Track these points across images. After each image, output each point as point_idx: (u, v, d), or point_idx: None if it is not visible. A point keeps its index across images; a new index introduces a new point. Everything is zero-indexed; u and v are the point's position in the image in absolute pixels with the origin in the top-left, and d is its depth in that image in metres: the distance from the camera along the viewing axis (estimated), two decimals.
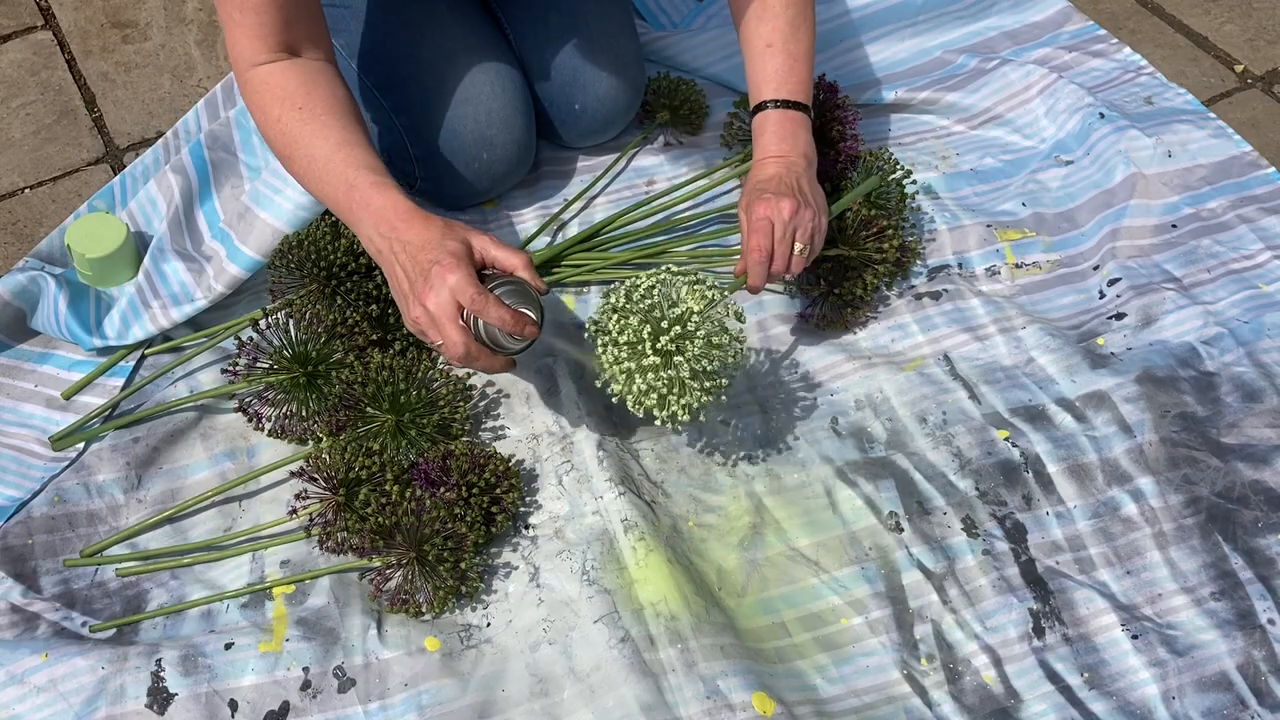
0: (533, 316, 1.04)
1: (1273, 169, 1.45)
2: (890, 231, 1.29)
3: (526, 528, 1.15)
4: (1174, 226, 1.39)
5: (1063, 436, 1.20)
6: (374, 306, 1.22)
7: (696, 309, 1.07)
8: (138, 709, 1.00)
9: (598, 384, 1.10)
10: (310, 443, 1.19)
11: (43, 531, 1.15)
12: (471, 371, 1.26)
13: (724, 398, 1.15)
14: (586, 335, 1.11)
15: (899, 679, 1.05)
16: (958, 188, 1.46)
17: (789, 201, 1.14)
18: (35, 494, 1.18)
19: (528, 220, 1.45)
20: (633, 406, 1.08)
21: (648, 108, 1.53)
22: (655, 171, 1.49)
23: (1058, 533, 1.14)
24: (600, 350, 1.08)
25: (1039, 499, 1.16)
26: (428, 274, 1.01)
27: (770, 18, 1.24)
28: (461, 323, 1.02)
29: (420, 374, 1.17)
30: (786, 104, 1.23)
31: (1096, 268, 1.36)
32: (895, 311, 1.33)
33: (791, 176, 1.18)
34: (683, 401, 1.07)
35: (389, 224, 1.05)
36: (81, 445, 1.22)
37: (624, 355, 1.07)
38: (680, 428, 1.16)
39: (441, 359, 1.22)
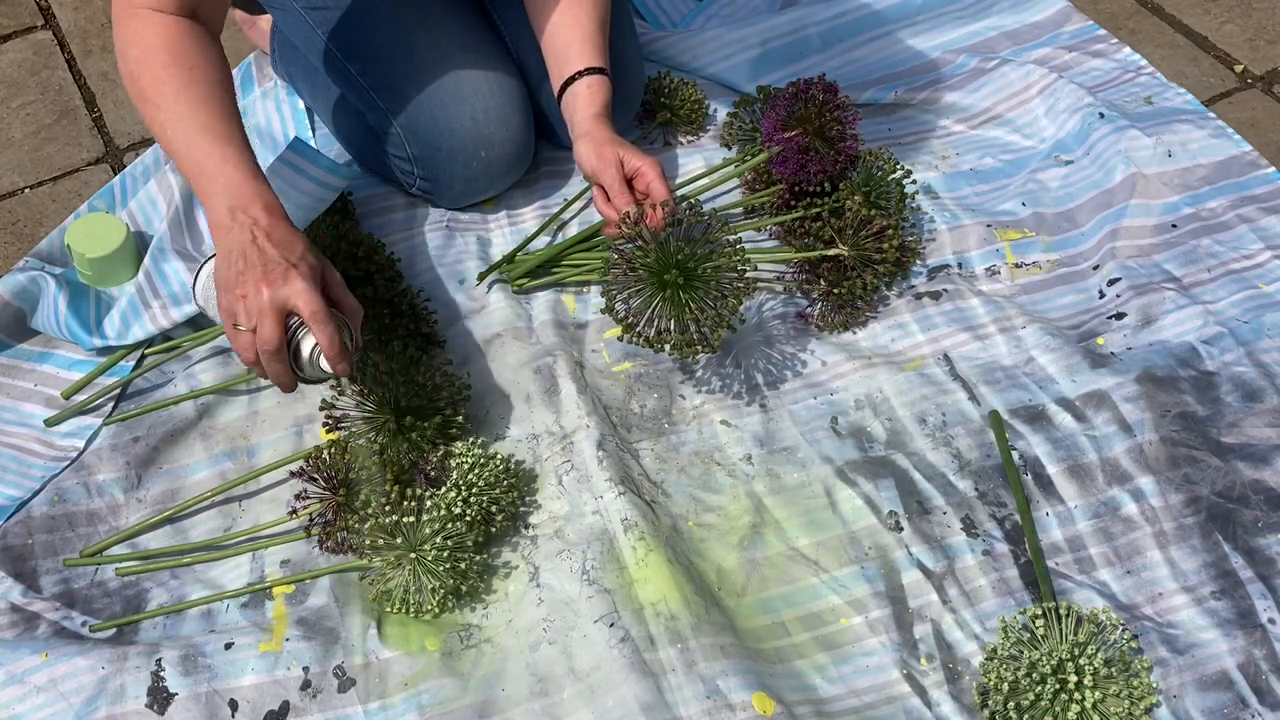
0: (349, 354, 1.04)
1: (1273, 169, 1.45)
2: (890, 231, 1.29)
3: (526, 527, 1.15)
4: (1174, 226, 1.39)
5: (1063, 437, 1.20)
6: (371, 309, 1.22)
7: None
8: (138, 709, 1.00)
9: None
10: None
11: (43, 531, 1.15)
12: (471, 372, 1.26)
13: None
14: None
15: (899, 679, 1.05)
16: (958, 187, 1.46)
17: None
18: (35, 493, 1.18)
19: (528, 220, 1.45)
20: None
21: (648, 108, 1.53)
22: None
23: (1058, 534, 1.14)
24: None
25: (1038, 500, 1.16)
26: (281, 268, 1.01)
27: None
28: (284, 324, 1.02)
29: (422, 375, 1.17)
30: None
31: (1096, 267, 1.36)
32: (895, 311, 1.33)
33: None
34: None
35: (251, 206, 1.04)
36: (82, 444, 1.22)
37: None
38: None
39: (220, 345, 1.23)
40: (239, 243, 1.03)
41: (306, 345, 1.04)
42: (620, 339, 1.17)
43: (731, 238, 1.16)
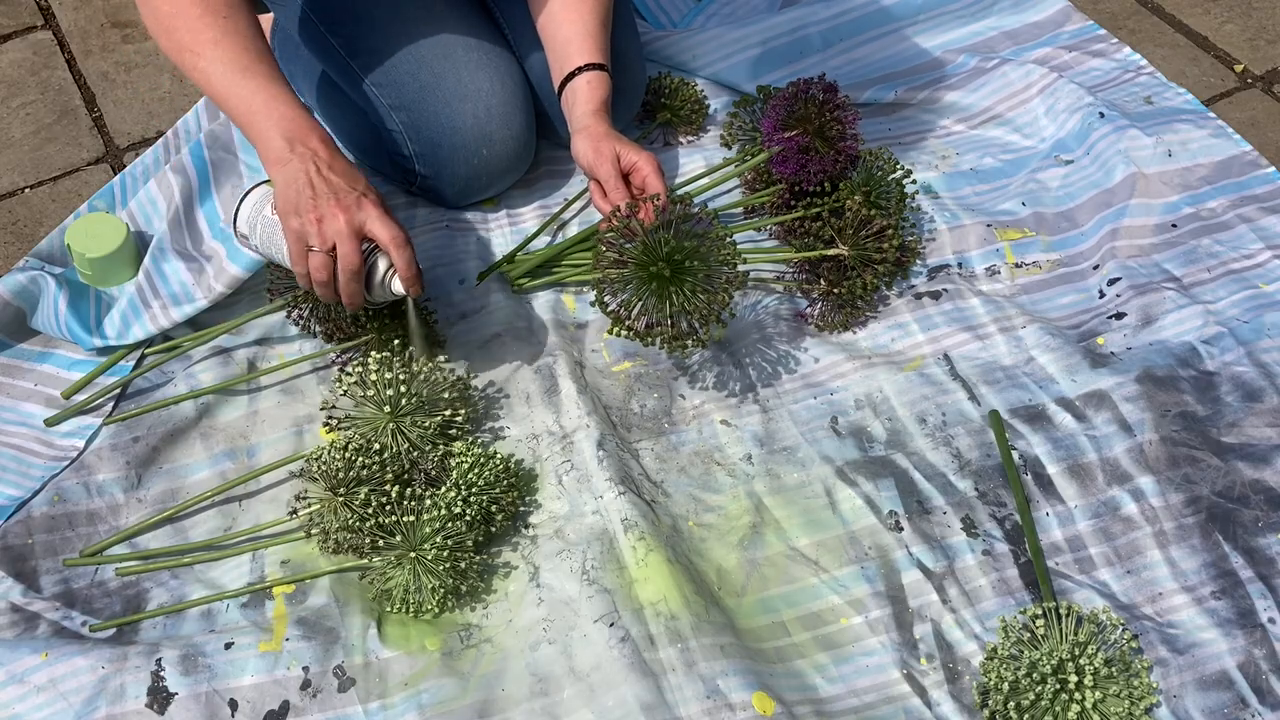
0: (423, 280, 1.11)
1: (1273, 168, 1.45)
2: (890, 231, 1.29)
3: (526, 527, 1.15)
4: (1174, 226, 1.39)
5: (1063, 436, 1.20)
6: (371, 309, 1.22)
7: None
8: (138, 708, 1.00)
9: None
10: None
11: (43, 531, 1.15)
12: (471, 372, 1.26)
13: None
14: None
15: (899, 678, 1.05)
16: (958, 187, 1.46)
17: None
18: (35, 493, 1.18)
19: (528, 220, 1.45)
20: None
21: (648, 107, 1.53)
22: None
23: (1058, 534, 1.13)
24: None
25: (1038, 500, 1.16)
26: (354, 197, 1.08)
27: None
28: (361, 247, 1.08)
29: (422, 375, 1.17)
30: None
31: (1096, 267, 1.36)
32: (895, 311, 1.32)
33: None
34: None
35: (309, 138, 1.10)
36: (82, 444, 1.22)
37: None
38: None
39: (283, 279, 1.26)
40: (303, 172, 1.09)
41: (381, 267, 1.11)
42: (610, 333, 1.18)
43: (722, 231, 1.16)
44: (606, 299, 1.16)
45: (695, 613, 1.05)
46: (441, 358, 1.22)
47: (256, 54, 1.14)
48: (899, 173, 1.36)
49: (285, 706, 1.02)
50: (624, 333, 1.16)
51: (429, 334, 1.24)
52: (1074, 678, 0.99)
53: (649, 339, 1.16)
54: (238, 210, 1.20)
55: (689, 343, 1.17)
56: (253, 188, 1.20)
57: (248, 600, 1.10)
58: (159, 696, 1.01)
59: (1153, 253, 1.37)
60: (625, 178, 1.25)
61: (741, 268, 1.16)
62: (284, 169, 1.10)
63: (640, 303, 1.15)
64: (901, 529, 1.14)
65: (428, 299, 1.32)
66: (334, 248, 1.08)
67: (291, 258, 1.12)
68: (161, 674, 1.02)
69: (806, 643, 1.07)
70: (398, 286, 1.11)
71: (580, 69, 1.30)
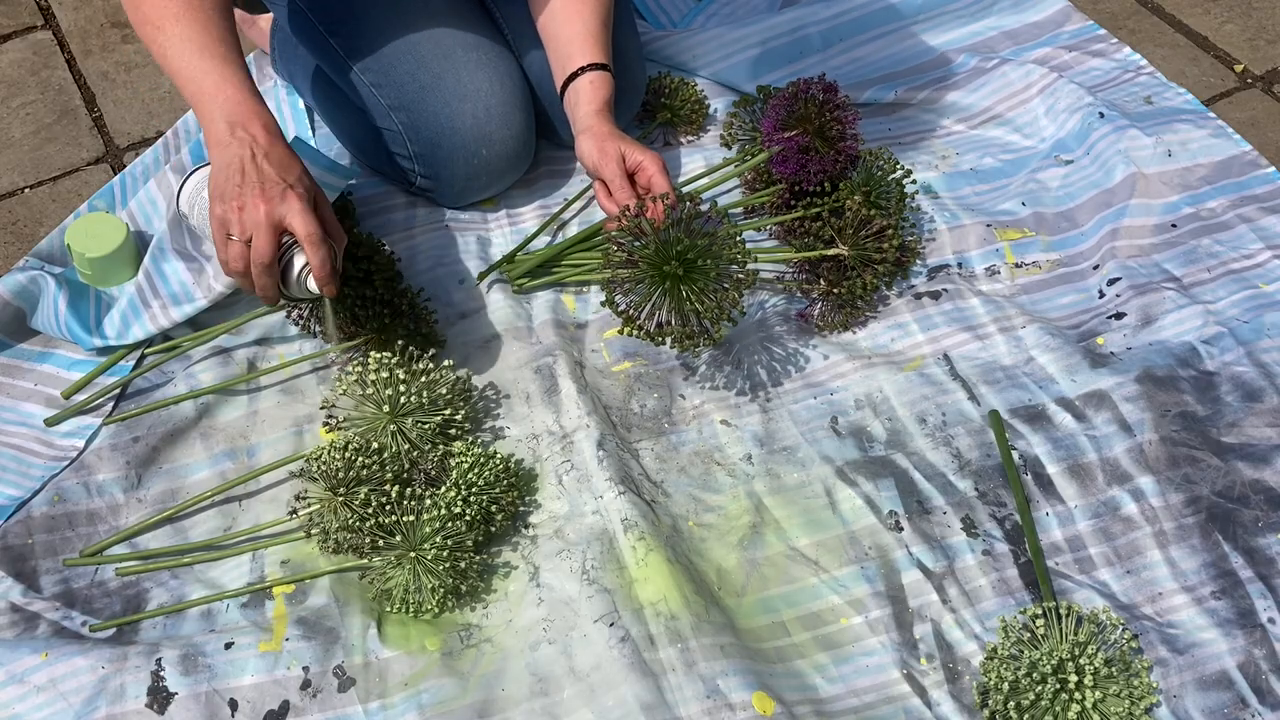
0: (338, 278, 1.09)
1: (1273, 168, 1.44)
2: (890, 231, 1.29)
3: (526, 527, 1.15)
4: (1174, 226, 1.39)
5: (1063, 436, 1.20)
6: (371, 309, 1.22)
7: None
8: (138, 708, 1.00)
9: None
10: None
11: (43, 531, 1.15)
12: (471, 372, 1.26)
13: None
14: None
15: (899, 678, 1.05)
16: (957, 187, 1.46)
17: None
18: (35, 493, 1.18)
19: (528, 220, 1.45)
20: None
21: (648, 107, 1.53)
22: None
23: (1058, 534, 1.13)
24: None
25: (1038, 500, 1.16)
26: (280, 189, 1.05)
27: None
28: (278, 240, 1.06)
29: (422, 375, 1.17)
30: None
31: (1096, 267, 1.36)
32: (895, 311, 1.32)
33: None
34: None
35: (250, 123, 1.08)
36: (82, 444, 1.22)
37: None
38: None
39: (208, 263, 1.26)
40: (237, 157, 1.06)
41: (297, 264, 1.08)
42: (621, 333, 1.17)
43: (732, 229, 1.16)
44: (617, 299, 1.16)
45: (695, 613, 1.05)
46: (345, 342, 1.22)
47: (217, 34, 1.12)
48: (899, 173, 1.36)
49: (285, 706, 1.02)
50: (635, 332, 1.16)
51: (345, 324, 1.23)
52: (1074, 678, 0.99)
53: (660, 338, 1.16)
54: (181, 187, 1.21)
55: (700, 341, 1.17)
56: (199, 167, 1.20)
57: (248, 600, 1.10)
58: (159, 696, 1.01)
59: (1153, 253, 1.37)
60: (631, 177, 1.25)
61: (751, 265, 1.15)
62: (222, 152, 1.08)
63: (651, 302, 1.15)
64: (901, 529, 1.14)
65: (427, 299, 1.32)
66: (251, 238, 1.06)
67: (215, 244, 1.10)
68: (161, 674, 1.02)
69: (806, 643, 1.07)
70: (313, 284, 1.08)
71: (583, 69, 1.30)
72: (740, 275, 1.15)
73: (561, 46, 1.32)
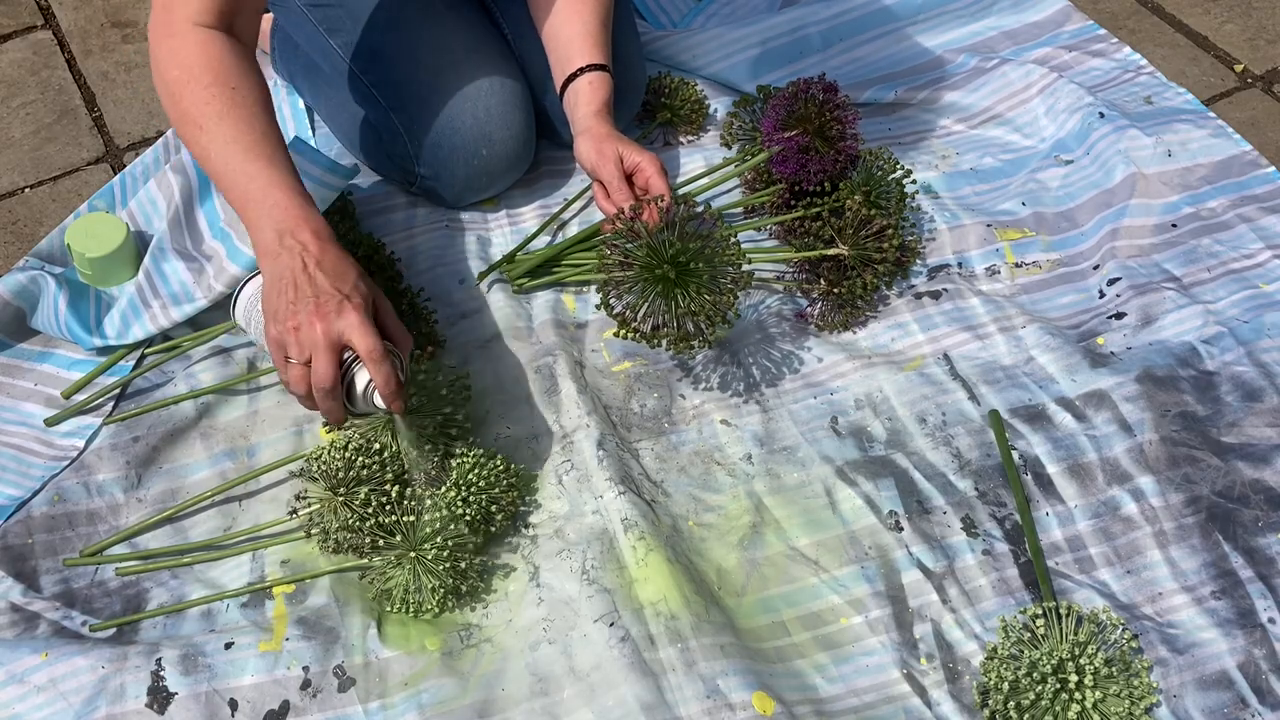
0: (409, 393, 1.01)
1: (1273, 168, 1.44)
2: (890, 231, 1.29)
3: (526, 527, 1.15)
4: (1174, 226, 1.39)
5: (1063, 436, 1.20)
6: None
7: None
8: (138, 708, 1.00)
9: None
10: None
11: (43, 531, 1.15)
12: (471, 372, 1.26)
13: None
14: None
15: (899, 678, 1.05)
16: (958, 187, 1.46)
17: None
18: (35, 493, 1.18)
19: (528, 220, 1.45)
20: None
21: (648, 107, 1.53)
22: None
23: (1057, 534, 1.13)
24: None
25: (1038, 500, 1.16)
26: (335, 300, 0.98)
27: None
28: (339, 360, 1.00)
29: (422, 376, 1.17)
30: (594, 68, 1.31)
31: (1096, 267, 1.36)
32: (895, 311, 1.32)
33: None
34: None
35: (299, 230, 1.01)
36: (82, 444, 1.22)
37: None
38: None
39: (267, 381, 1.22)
40: (289, 269, 1.00)
41: (361, 380, 1.01)
42: (616, 335, 1.18)
43: (727, 232, 1.16)
44: (612, 301, 1.16)
45: (695, 612, 1.05)
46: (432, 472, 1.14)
47: (261, 133, 1.06)
48: (899, 173, 1.36)
49: (285, 706, 1.02)
50: (630, 335, 1.16)
51: (426, 451, 1.14)
52: (1074, 677, 0.99)
53: (655, 341, 1.16)
54: (235, 300, 1.15)
55: (695, 343, 1.17)
56: (252, 276, 1.15)
57: (248, 600, 1.10)
58: (159, 696, 1.01)
59: (1153, 253, 1.37)
60: (629, 178, 1.25)
61: (746, 267, 1.15)
62: (273, 264, 1.01)
63: (646, 305, 1.15)
64: (901, 529, 1.14)
65: (427, 299, 1.32)
66: (310, 360, 0.99)
67: (275, 364, 1.03)
68: (161, 674, 1.02)
69: (806, 642, 1.07)
70: (380, 401, 1.01)
71: (582, 70, 1.30)
72: (735, 279, 1.15)
73: (561, 47, 1.32)
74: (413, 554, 1.07)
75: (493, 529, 1.12)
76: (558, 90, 1.33)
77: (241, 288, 1.16)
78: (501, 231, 1.44)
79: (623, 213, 1.18)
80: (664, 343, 1.16)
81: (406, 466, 1.12)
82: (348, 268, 1.01)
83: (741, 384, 1.27)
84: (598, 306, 1.19)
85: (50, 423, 1.23)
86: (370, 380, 1.01)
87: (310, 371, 0.99)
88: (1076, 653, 1.01)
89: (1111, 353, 1.27)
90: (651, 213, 1.16)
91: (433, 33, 1.37)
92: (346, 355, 1.00)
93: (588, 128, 1.27)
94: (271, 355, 1.03)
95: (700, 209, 1.17)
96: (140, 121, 1.62)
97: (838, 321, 1.31)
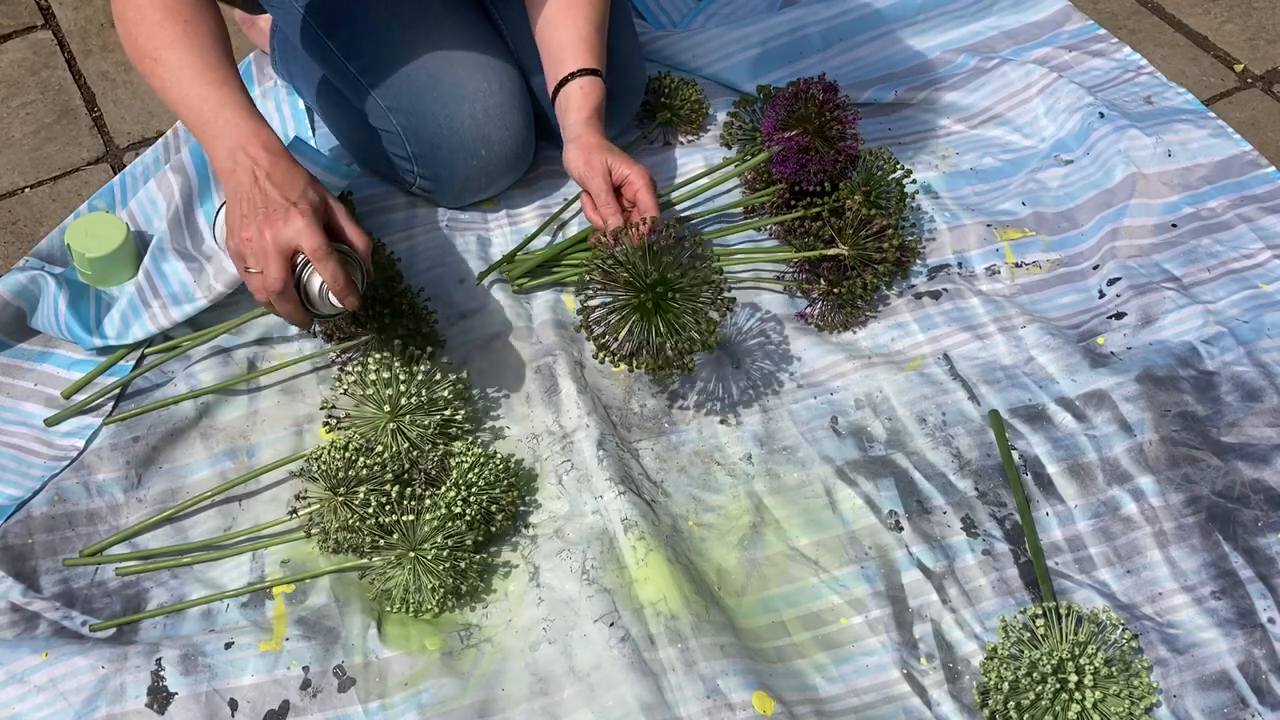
0: (358, 287, 1.06)
1: (1273, 168, 1.44)
2: (890, 231, 1.29)
3: (526, 527, 1.15)
4: (1174, 226, 1.39)
5: (1063, 436, 1.20)
6: (371, 309, 1.22)
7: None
8: (138, 708, 1.00)
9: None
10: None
11: (43, 531, 1.15)
12: (471, 372, 1.26)
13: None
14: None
15: (899, 678, 1.05)
16: (957, 187, 1.46)
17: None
18: (35, 493, 1.18)
19: (528, 220, 1.45)
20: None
21: (648, 107, 1.53)
22: (655, 171, 1.49)
23: (1057, 534, 1.13)
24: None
25: (1038, 500, 1.16)
26: (282, 209, 1.03)
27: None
28: (289, 264, 1.04)
29: (422, 375, 1.17)
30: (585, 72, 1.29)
31: (1096, 267, 1.36)
32: (895, 311, 1.32)
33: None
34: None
35: (249, 145, 1.06)
36: (82, 444, 1.22)
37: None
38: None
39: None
40: (242, 185, 1.05)
41: (315, 282, 1.06)
42: (595, 359, 1.16)
43: (709, 257, 1.14)
44: (592, 325, 1.15)
45: (695, 612, 1.05)
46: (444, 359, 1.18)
47: (215, 59, 1.11)
48: (899, 173, 1.36)
49: (285, 706, 1.02)
50: (608, 358, 1.15)
51: (397, 349, 1.19)
52: (1074, 677, 0.99)
53: (634, 366, 1.15)
54: (215, 224, 1.20)
55: (674, 370, 1.16)
56: (224, 204, 1.18)
57: (248, 600, 1.10)
58: (159, 696, 1.01)
59: (1153, 253, 1.37)
60: (618, 189, 1.24)
61: (743, 268, 1.14)
62: (228, 181, 1.07)
63: (625, 330, 1.13)
64: (901, 529, 1.14)
65: (427, 299, 1.32)
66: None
67: (241, 277, 1.09)
68: (161, 674, 1.02)
69: (806, 642, 1.07)
70: (335, 300, 1.06)
71: (573, 74, 1.29)
72: (713, 312, 1.13)
73: (554, 51, 1.32)
74: (413, 554, 1.07)
75: (493, 529, 1.12)
76: (549, 95, 1.33)
77: (218, 212, 1.19)
78: (501, 231, 1.44)
79: (604, 237, 1.16)
80: (643, 368, 1.15)
81: (372, 363, 1.16)
82: (296, 177, 1.06)
83: (741, 384, 1.27)
84: (577, 329, 1.18)
85: (50, 423, 1.23)
86: (324, 280, 1.05)
87: (264, 279, 1.04)
88: (1076, 653, 1.01)
89: (1111, 353, 1.27)
90: (634, 238, 1.14)
91: (431, 33, 1.37)
92: (299, 259, 1.05)
93: (577, 136, 1.26)
94: (236, 268, 1.08)
95: (685, 235, 1.15)
96: (140, 121, 1.62)
97: (838, 321, 1.31)
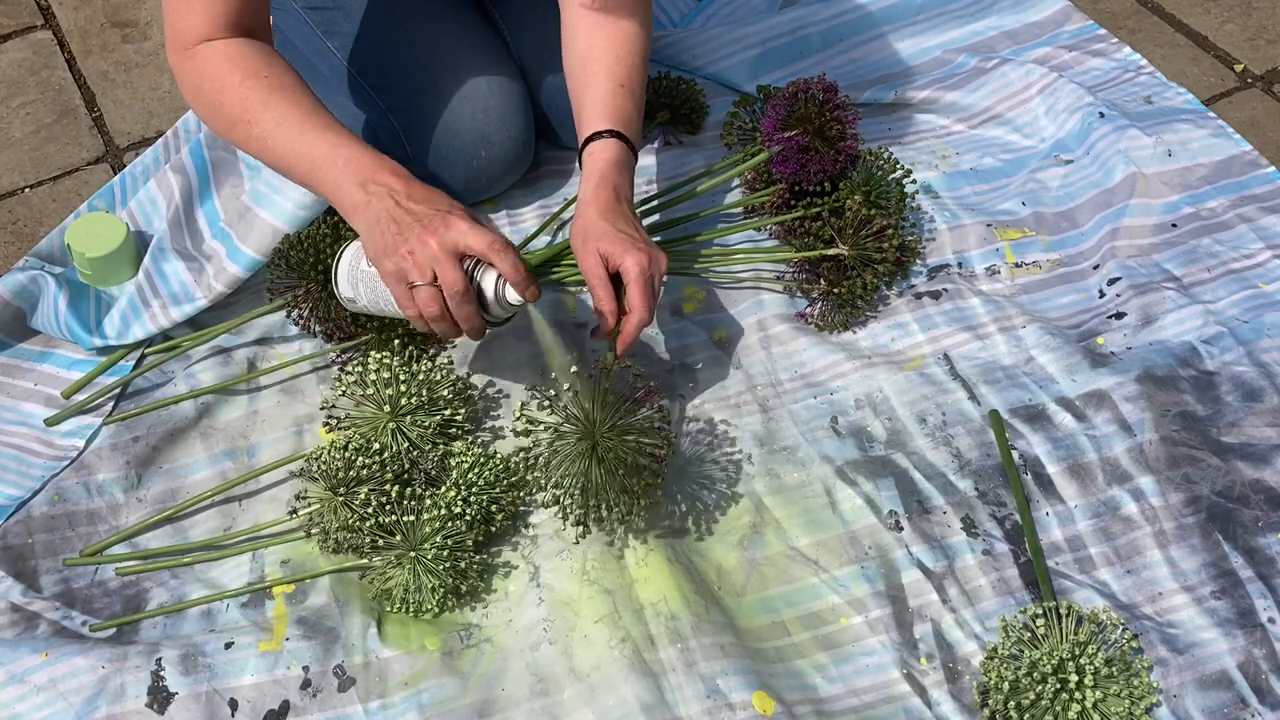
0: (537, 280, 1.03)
1: (1273, 168, 1.44)
2: (890, 231, 1.29)
3: (526, 527, 1.15)
4: (1174, 226, 1.39)
5: (1063, 436, 1.20)
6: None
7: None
8: (138, 708, 1.00)
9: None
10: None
11: (43, 530, 1.15)
12: (471, 372, 1.26)
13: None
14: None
15: (899, 678, 1.05)
16: (957, 187, 1.46)
17: (657, 252, 1.10)
18: (35, 493, 1.18)
19: (528, 220, 1.45)
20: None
21: (648, 107, 1.53)
22: (655, 171, 1.49)
23: (1057, 533, 1.13)
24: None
25: (1038, 500, 1.16)
26: (438, 217, 1.02)
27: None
28: (462, 265, 1.02)
29: (422, 374, 1.17)
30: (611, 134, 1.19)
31: (1096, 267, 1.36)
32: (895, 311, 1.32)
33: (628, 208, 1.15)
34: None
35: (379, 174, 1.05)
36: (82, 444, 1.22)
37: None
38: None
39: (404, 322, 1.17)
40: (383, 211, 1.03)
41: (489, 282, 1.04)
42: (555, 518, 1.10)
43: (657, 418, 1.06)
44: (541, 481, 1.08)
45: (695, 613, 1.05)
46: (573, 368, 1.06)
47: (309, 106, 1.10)
48: (899, 173, 1.36)
49: (285, 706, 1.02)
50: (563, 515, 1.08)
51: (559, 339, 1.13)
52: (1074, 677, 0.99)
53: (558, 513, 1.08)
54: (336, 275, 1.14)
55: (589, 529, 1.08)
56: (342, 249, 1.15)
57: (248, 600, 1.10)
58: (159, 696, 1.01)
59: (1153, 253, 1.37)
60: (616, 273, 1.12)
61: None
62: (364, 214, 1.05)
63: (560, 472, 1.05)
64: (901, 529, 1.14)
65: None
66: (435, 276, 1.02)
67: (399, 302, 1.05)
68: (161, 674, 1.02)
69: (806, 642, 1.07)
70: (513, 295, 1.04)
71: (593, 136, 1.19)
72: (649, 478, 1.06)
73: (578, 110, 1.24)
74: (413, 554, 1.07)
75: (493, 529, 1.12)
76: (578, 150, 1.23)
77: (337, 265, 1.15)
78: (501, 232, 1.43)
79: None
80: (565, 521, 1.08)
81: (545, 361, 1.11)
82: (436, 193, 1.05)
83: (741, 384, 1.27)
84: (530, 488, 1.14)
85: (50, 423, 1.23)
86: (498, 277, 1.04)
87: (439, 287, 1.02)
88: (1076, 653, 1.01)
89: (1111, 353, 1.27)
90: (608, 361, 1.08)
91: (431, 34, 1.37)
92: (466, 264, 1.03)
93: (584, 206, 1.15)
94: (394, 292, 1.05)
95: (641, 388, 1.06)
96: (140, 121, 1.62)
97: (838, 321, 1.31)
